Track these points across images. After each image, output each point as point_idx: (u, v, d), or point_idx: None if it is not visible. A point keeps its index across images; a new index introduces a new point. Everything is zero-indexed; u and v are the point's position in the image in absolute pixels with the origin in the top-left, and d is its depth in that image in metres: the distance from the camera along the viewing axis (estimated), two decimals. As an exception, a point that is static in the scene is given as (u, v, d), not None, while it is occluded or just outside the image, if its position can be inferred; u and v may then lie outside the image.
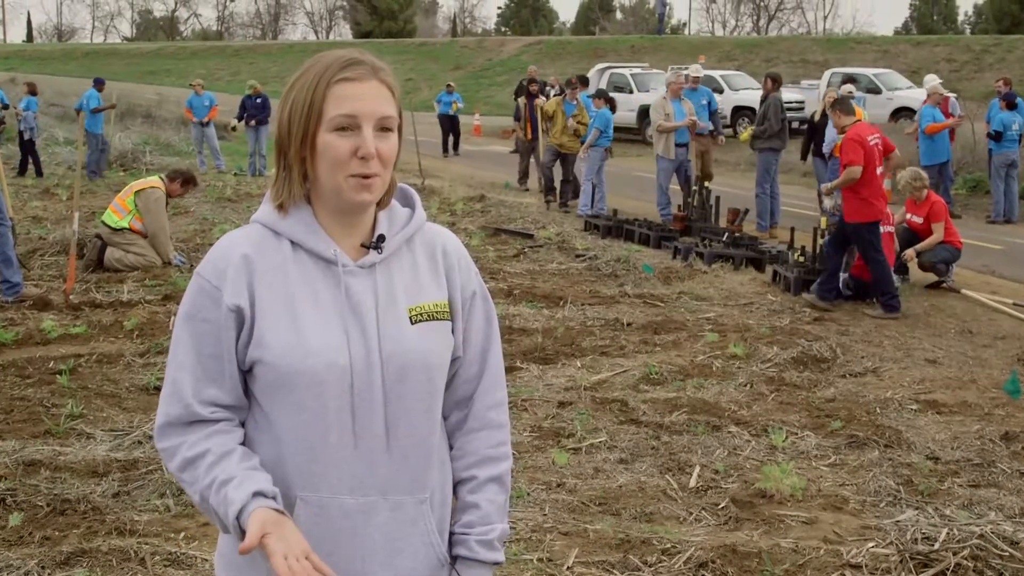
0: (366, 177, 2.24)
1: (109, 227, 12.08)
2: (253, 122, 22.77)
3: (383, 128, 2.26)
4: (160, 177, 12.79)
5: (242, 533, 2.17)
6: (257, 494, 2.18)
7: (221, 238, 2.35)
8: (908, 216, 12.43)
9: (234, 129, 22.92)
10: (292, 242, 2.30)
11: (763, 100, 17.00)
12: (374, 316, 2.29)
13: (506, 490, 2.47)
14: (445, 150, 28.40)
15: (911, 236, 12.27)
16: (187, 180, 12.83)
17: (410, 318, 2.33)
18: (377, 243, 2.34)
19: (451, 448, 2.47)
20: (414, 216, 2.43)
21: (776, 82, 16.46)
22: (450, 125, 28.61)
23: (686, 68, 21.19)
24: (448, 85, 29.10)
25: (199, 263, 2.35)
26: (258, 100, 22.92)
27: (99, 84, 23.15)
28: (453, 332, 2.42)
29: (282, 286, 2.27)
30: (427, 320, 2.35)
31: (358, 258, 2.33)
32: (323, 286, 2.29)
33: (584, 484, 6.21)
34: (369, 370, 2.26)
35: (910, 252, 12.02)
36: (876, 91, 29.82)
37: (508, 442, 2.51)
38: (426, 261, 2.41)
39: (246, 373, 2.31)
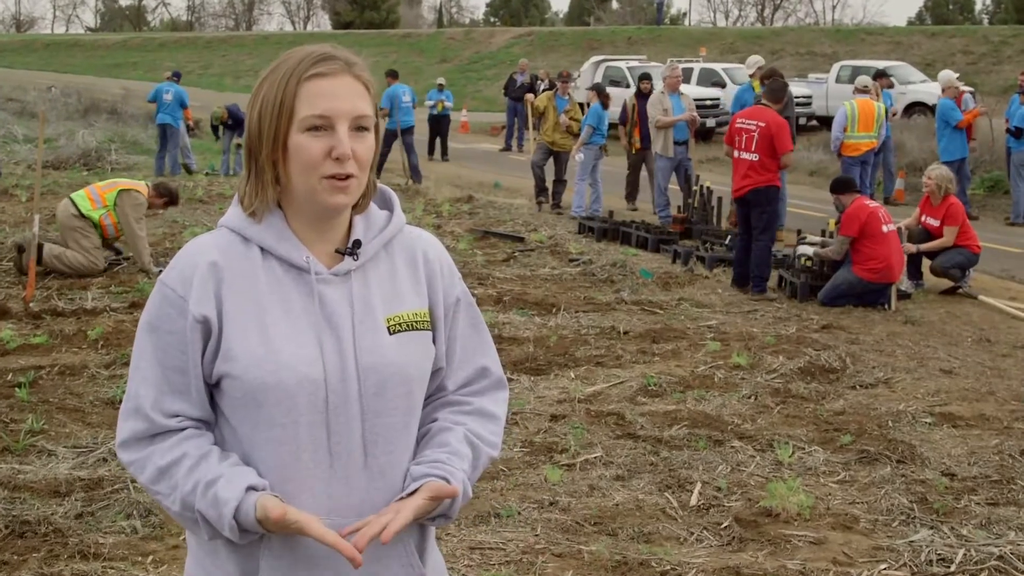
0: (341, 178, 2.24)
1: (78, 210, 11.87)
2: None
3: (359, 127, 2.26)
4: (147, 184, 12.76)
5: (240, 532, 2.18)
6: (250, 488, 2.19)
7: (187, 244, 2.35)
8: (924, 218, 12.48)
9: (239, 147, 22.93)
10: (262, 248, 2.30)
11: None
12: (350, 326, 2.29)
13: (478, 470, 2.44)
14: (431, 151, 27.99)
15: (928, 239, 12.32)
16: (172, 200, 12.89)
17: (388, 328, 2.33)
18: (352, 249, 2.34)
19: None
20: (392, 219, 2.43)
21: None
22: (436, 125, 27.81)
23: (685, 60, 21.10)
24: (439, 83, 28.61)
25: (164, 270, 2.35)
26: (230, 123, 22.85)
27: (178, 77, 23.66)
28: (435, 342, 2.42)
29: (252, 295, 2.27)
30: (406, 330, 2.35)
31: (332, 265, 2.33)
32: (295, 295, 2.29)
33: (578, 502, 6.22)
34: (345, 384, 2.26)
35: (910, 246, 12.06)
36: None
37: (500, 434, 2.52)
38: (405, 267, 2.41)
39: (213, 388, 2.30)
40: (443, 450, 2.37)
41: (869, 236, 11.31)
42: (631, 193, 18.99)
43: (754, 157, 11.89)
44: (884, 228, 11.40)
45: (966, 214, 13.57)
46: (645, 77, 18.65)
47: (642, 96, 17.89)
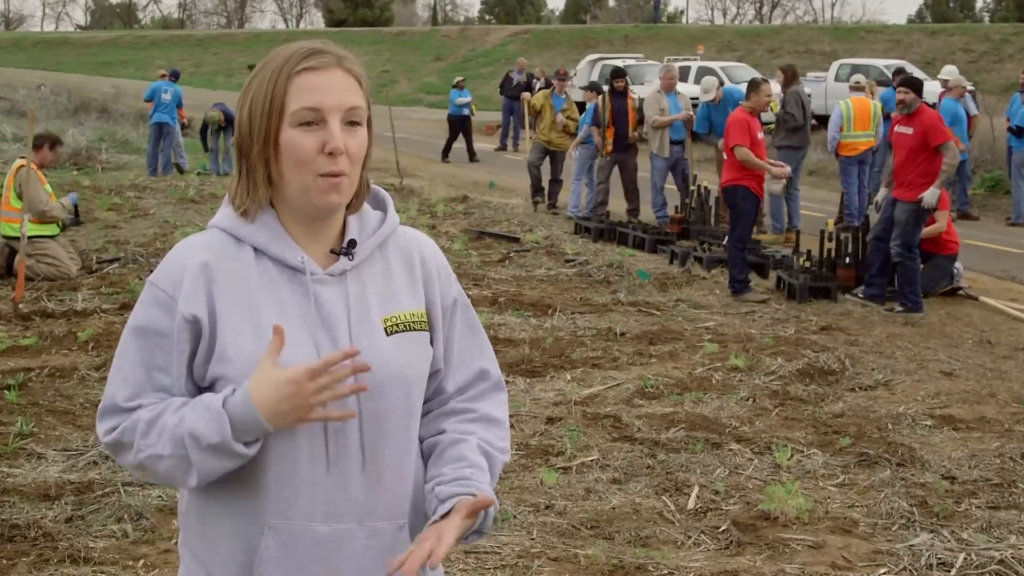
0: (334, 176, 2.23)
1: (15, 238, 11.46)
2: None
3: (351, 121, 2.26)
4: (20, 157, 12.45)
5: (233, 431, 2.15)
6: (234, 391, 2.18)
7: (177, 244, 2.34)
8: None
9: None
10: (255, 249, 2.29)
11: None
12: (346, 327, 2.28)
13: (494, 479, 2.43)
14: (445, 154, 26.75)
15: None
16: (54, 141, 12.66)
17: (385, 329, 2.32)
18: (348, 249, 2.33)
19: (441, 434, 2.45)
20: (386, 219, 2.42)
21: (795, 76, 16.35)
22: (461, 127, 26.79)
23: (683, 58, 20.81)
24: (458, 80, 28.08)
25: (153, 271, 2.34)
26: (224, 125, 22.75)
27: (176, 76, 23.71)
28: (432, 344, 2.41)
29: (245, 296, 2.25)
30: (403, 331, 2.34)
31: (327, 265, 2.32)
32: (290, 296, 2.27)
33: (574, 506, 6.22)
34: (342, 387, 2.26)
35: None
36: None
37: (507, 439, 2.51)
38: (401, 268, 2.40)
39: (205, 391, 2.29)
40: (462, 465, 2.36)
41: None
42: (604, 200, 17.08)
43: (724, 156, 12.24)
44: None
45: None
46: (618, 74, 17.37)
47: (616, 94, 16.87)
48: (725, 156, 12.08)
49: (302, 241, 2.31)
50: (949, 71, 19.40)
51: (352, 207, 2.37)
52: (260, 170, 2.28)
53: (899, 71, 20.73)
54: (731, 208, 12.13)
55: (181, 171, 22.78)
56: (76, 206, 12.98)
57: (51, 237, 11.94)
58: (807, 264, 12.23)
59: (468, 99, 26.72)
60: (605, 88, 17.18)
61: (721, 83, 17.83)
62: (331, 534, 2.26)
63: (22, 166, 11.94)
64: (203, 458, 2.18)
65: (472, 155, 26.62)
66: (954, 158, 11.07)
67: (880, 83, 20.32)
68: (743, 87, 14.05)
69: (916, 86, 11.47)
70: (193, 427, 2.16)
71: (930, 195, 11.10)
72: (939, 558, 5.57)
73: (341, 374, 2.14)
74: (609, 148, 16.92)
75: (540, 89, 23.11)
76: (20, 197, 11.77)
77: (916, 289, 11.33)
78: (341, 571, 2.29)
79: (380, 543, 2.31)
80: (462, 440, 2.41)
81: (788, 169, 12.67)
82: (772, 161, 12.48)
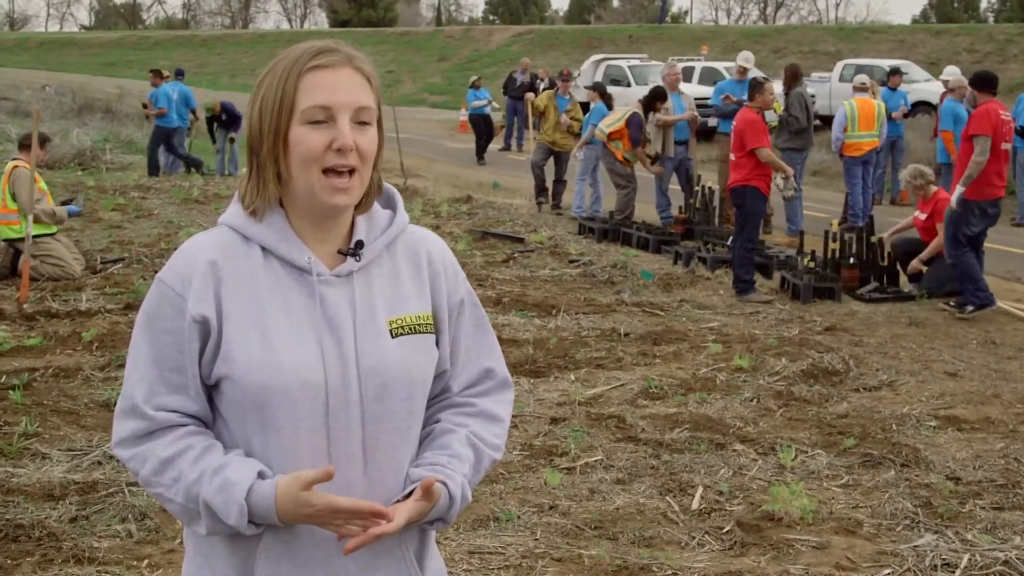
0: (342, 174, 2.23)
1: (17, 239, 11.58)
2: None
3: (361, 121, 2.26)
4: (12, 160, 12.45)
5: (248, 517, 2.17)
6: (261, 474, 2.20)
7: (186, 242, 2.34)
8: (916, 214, 12.48)
9: (232, 141, 22.78)
10: (263, 248, 2.29)
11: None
12: (351, 329, 2.28)
13: (479, 473, 2.44)
14: (480, 156, 26.53)
15: (916, 240, 12.26)
16: (43, 139, 12.45)
17: (390, 331, 2.32)
18: (355, 250, 2.33)
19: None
20: (395, 219, 2.42)
21: (796, 76, 16.27)
22: (486, 127, 26.77)
23: (687, 59, 20.64)
24: (475, 80, 28.05)
25: (161, 268, 2.34)
26: (224, 118, 22.72)
27: (181, 75, 23.73)
28: (438, 345, 2.42)
29: (252, 296, 2.26)
30: (409, 333, 2.34)
31: (334, 266, 2.32)
32: (296, 296, 2.28)
33: (578, 506, 6.22)
34: (346, 388, 2.26)
35: (915, 264, 11.87)
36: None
37: (504, 436, 2.51)
38: (409, 268, 2.40)
39: (212, 389, 2.29)
40: (443, 453, 2.37)
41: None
42: (627, 213, 16.43)
43: (732, 157, 12.13)
44: (1003, 145, 11.20)
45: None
46: (662, 97, 16.32)
47: (648, 113, 16.22)
48: (734, 156, 12.00)
49: (310, 241, 2.32)
50: (950, 71, 19.36)
51: (362, 207, 2.37)
52: (270, 168, 2.28)
53: (895, 71, 20.68)
54: (739, 208, 12.08)
55: (188, 170, 22.79)
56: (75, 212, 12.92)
57: (51, 235, 11.95)
58: (811, 265, 12.23)
59: (484, 99, 26.74)
60: (640, 102, 16.72)
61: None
62: (332, 534, 2.26)
63: (15, 167, 11.97)
64: (214, 524, 2.22)
65: (483, 153, 26.69)
66: (980, 154, 10.91)
67: (881, 83, 20.25)
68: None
69: (979, 81, 11.53)
70: (211, 500, 2.19)
71: (955, 196, 11.11)
72: (943, 559, 5.57)
73: (359, 517, 2.19)
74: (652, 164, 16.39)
75: (544, 89, 23.11)
76: (15, 198, 11.80)
77: (979, 284, 11.24)
78: (340, 570, 2.29)
79: (380, 544, 2.29)
80: (452, 431, 2.42)
81: (793, 183, 12.68)
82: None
